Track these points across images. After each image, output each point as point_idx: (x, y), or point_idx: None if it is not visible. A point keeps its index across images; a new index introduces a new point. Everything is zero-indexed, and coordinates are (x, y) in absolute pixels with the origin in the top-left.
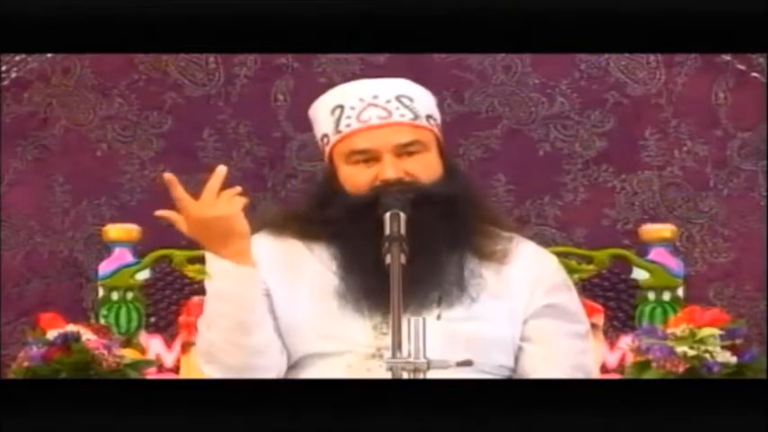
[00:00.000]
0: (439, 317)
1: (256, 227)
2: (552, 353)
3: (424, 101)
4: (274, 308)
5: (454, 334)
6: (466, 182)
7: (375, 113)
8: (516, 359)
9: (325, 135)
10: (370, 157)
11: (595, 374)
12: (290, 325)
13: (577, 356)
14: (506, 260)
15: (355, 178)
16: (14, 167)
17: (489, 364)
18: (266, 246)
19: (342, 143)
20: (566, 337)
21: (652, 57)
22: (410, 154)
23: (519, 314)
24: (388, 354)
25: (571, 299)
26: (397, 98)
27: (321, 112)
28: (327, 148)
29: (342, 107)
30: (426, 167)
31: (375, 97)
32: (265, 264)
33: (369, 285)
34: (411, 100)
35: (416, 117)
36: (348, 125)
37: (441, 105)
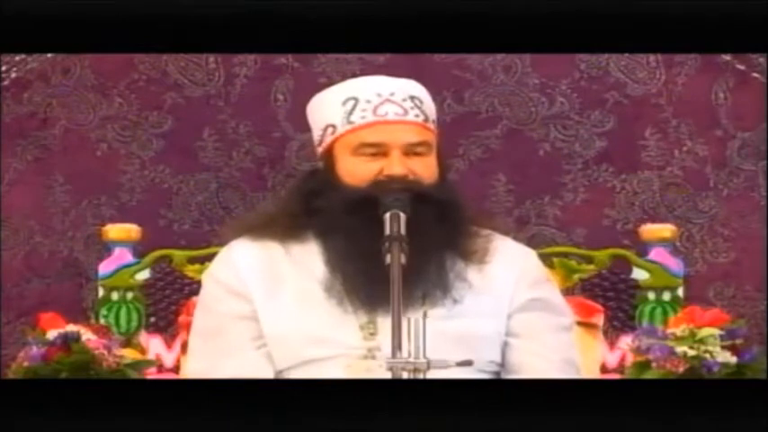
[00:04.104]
0: (425, 315)
1: (237, 232)
2: (541, 347)
3: (430, 105)
4: (261, 325)
5: (443, 333)
6: (455, 186)
7: (392, 109)
8: (503, 355)
9: (332, 125)
10: (379, 152)
11: (583, 367)
12: (279, 335)
13: (566, 350)
14: (487, 258)
15: (358, 171)
16: (14, 167)
17: (480, 361)
18: (248, 254)
19: (352, 134)
20: (553, 331)
21: (652, 57)
22: (416, 154)
23: (503, 309)
24: (379, 355)
25: (554, 292)
26: (411, 98)
27: (329, 103)
28: (330, 138)
29: (356, 99)
30: (428, 169)
31: (392, 94)
32: (250, 275)
33: (354, 283)
34: (421, 102)
35: (426, 119)
36: (363, 117)
37: (441, 105)
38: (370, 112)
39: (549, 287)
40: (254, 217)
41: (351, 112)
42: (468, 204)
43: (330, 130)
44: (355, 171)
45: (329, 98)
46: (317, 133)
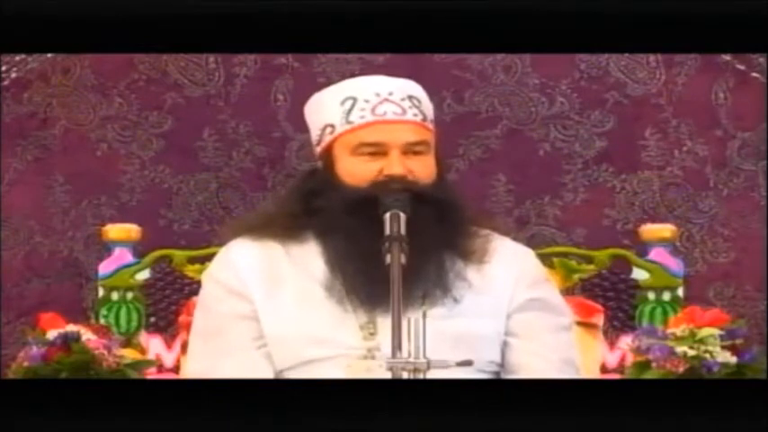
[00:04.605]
0: (425, 314)
1: (236, 232)
2: (540, 347)
3: (428, 104)
4: (262, 325)
5: (442, 332)
6: (453, 186)
7: (391, 109)
8: (502, 354)
9: (330, 125)
10: (378, 152)
11: (583, 367)
12: (279, 335)
13: (565, 350)
14: (486, 258)
15: (357, 170)
16: (14, 167)
17: (480, 361)
18: (248, 254)
19: (351, 134)
20: (552, 331)
21: (652, 57)
22: (415, 153)
23: (503, 309)
24: (379, 355)
25: (553, 292)
26: (409, 98)
27: (328, 102)
28: (329, 138)
29: (354, 99)
30: (427, 169)
31: (390, 94)
32: (249, 275)
33: (354, 283)
34: (420, 102)
35: (425, 119)
36: (362, 117)
37: (441, 105)
38: (368, 111)
39: (548, 287)
40: (254, 217)
41: (349, 112)
42: (466, 204)
43: (329, 129)
44: (354, 171)
45: (327, 98)
46: (315, 133)
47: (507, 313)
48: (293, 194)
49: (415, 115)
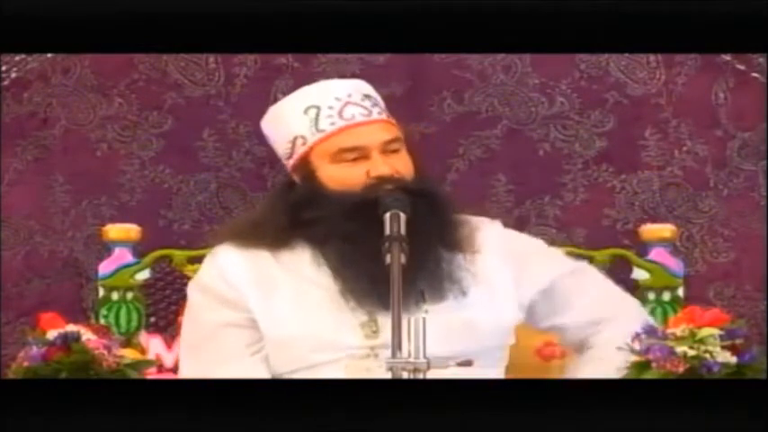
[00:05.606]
0: (426, 312)
1: (220, 238)
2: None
3: (381, 101)
4: (262, 330)
5: (447, 325)
6: (432, 178)
7: (357, 111)
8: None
9: (301, 136)
10: (359, 155)
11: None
12: (281, 340)
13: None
14: (477, 248)
15: (343, 176)
16: (14, 167)
17: (486, 350)
18: (236, 261)
19: (326, 142)
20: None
21: (652, 57)
22: (393, 152)
23: (509, 298)
24: (382, 353)
25: (551, 257)
26: (367, 97)
27: (291, 114)
28: (302, 149)
29: (318, 107)
30: (407, 165)
31: (349, 96)
32: (240, 281)
33: (357, 284)
34: (376, 100)
35: (389, 115)
36: (332, 123)
37: (441, 105)
38: (336, 117)
39: (548, 260)
40: (238, 226)
41: (317, 121)
42: (449, 193)
43: (300, 141)
44: (340, 177)
45: (288, 110)
46: (284, 147)
47: (531, 300)
48: (276, 209)
49: (380, 113)
